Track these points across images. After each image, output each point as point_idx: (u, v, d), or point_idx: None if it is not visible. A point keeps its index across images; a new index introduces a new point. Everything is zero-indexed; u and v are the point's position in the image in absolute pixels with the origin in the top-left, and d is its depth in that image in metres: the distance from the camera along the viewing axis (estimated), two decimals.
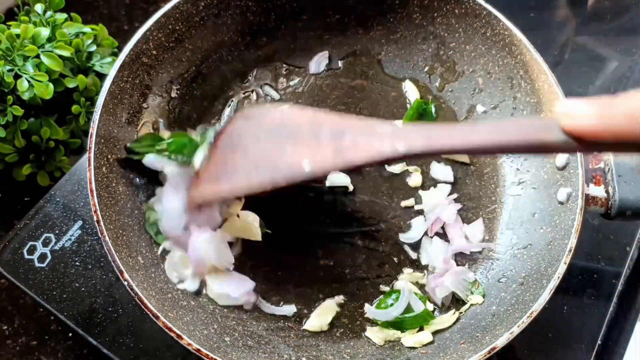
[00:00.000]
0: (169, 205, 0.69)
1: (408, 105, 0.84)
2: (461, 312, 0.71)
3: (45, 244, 0.74)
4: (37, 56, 0.75)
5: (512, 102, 0.79)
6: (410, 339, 0.69)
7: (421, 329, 0.70)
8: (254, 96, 0.83)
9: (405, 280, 0.73)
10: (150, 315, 0.60)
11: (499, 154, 0.79)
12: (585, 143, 0.46)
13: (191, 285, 0.69)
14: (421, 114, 0.82)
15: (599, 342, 0.75)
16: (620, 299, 0.78)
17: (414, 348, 0.68)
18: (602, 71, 1.00)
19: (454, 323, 0.70)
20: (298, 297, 0.72)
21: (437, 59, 0.85)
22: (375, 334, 0.70)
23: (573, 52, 1.01)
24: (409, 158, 0.55)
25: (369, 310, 0.71)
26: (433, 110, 0.83)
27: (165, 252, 0.70)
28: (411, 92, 0.84)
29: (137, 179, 0.73)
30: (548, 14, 1.06)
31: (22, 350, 0.76)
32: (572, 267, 0.64)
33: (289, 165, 0.59)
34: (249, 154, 0.64)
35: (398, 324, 0.70)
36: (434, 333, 0.70)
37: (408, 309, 0.70)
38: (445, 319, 0.71)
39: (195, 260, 0.68)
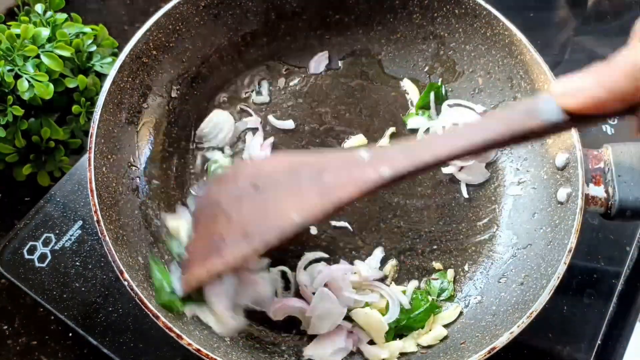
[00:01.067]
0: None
1: (409, 105, 0.84)
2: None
3: (45, 244, 0.74)
4: (37, 56, 0.75)
5: (512, 102, 0.79)
6: (426, 337, 0.68)
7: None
8: (254, 96, 0.83)
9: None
10: (150, 315, 0.59)
11: (491, 150, 0.73)
12: (584, 118, 0.43)
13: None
14: (435, 96, 0.82)
15: (599, 342, 0.75)
16: (620, 299, 0.78)
17: (413, 353, 0.68)
18: None
19: (458, 317, 0.71)
20: None
21: (437, 59, 0.85)
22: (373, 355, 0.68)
23: (573, 52, 1.01)
24: (398, 181, 0.51)
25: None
26: (444, 91, 0.83)
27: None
28: (411, 90, 0.84)
29: (137, 179, 0.73)
30: (548, 14, 1.05)
31: (22, 350, 0.76)
32: (572, 267, 0.64)
33: (277, 221, 0.55)
34: (232, 220, 0.58)
35: (409, 326, 0.69)
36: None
37: (414, 308, 0.70)
38: (449, 314, 0.71)
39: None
